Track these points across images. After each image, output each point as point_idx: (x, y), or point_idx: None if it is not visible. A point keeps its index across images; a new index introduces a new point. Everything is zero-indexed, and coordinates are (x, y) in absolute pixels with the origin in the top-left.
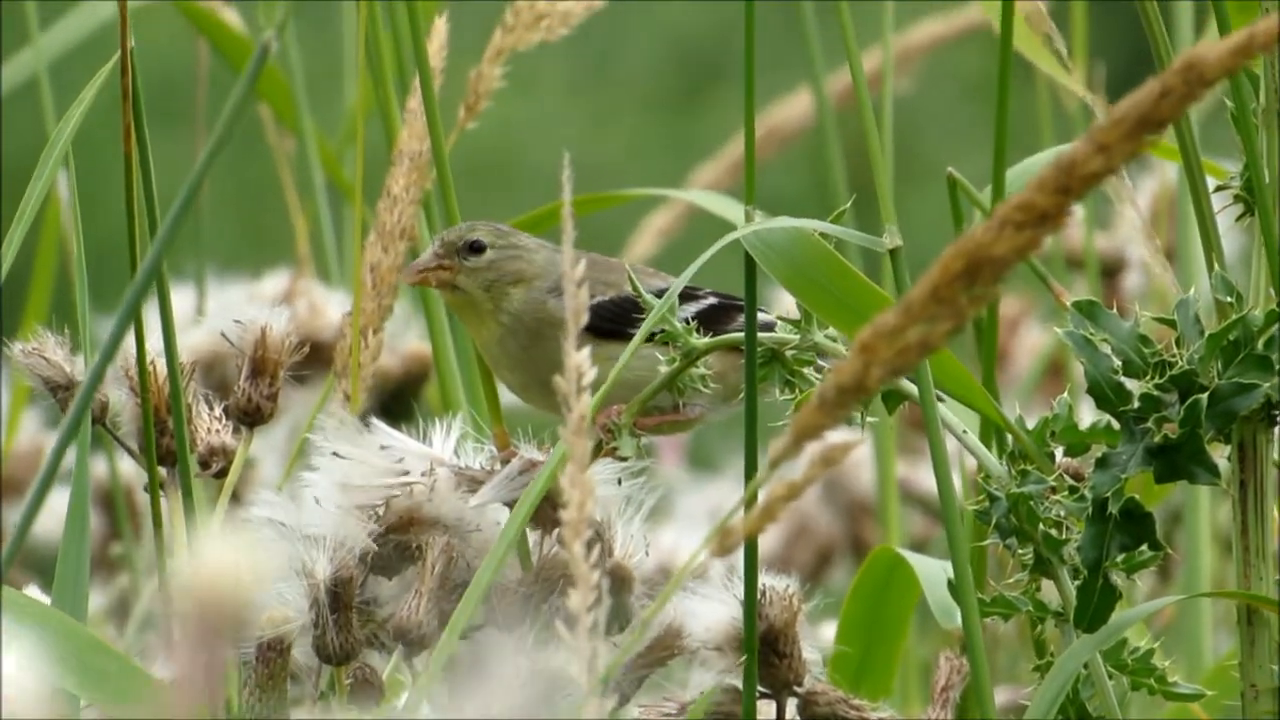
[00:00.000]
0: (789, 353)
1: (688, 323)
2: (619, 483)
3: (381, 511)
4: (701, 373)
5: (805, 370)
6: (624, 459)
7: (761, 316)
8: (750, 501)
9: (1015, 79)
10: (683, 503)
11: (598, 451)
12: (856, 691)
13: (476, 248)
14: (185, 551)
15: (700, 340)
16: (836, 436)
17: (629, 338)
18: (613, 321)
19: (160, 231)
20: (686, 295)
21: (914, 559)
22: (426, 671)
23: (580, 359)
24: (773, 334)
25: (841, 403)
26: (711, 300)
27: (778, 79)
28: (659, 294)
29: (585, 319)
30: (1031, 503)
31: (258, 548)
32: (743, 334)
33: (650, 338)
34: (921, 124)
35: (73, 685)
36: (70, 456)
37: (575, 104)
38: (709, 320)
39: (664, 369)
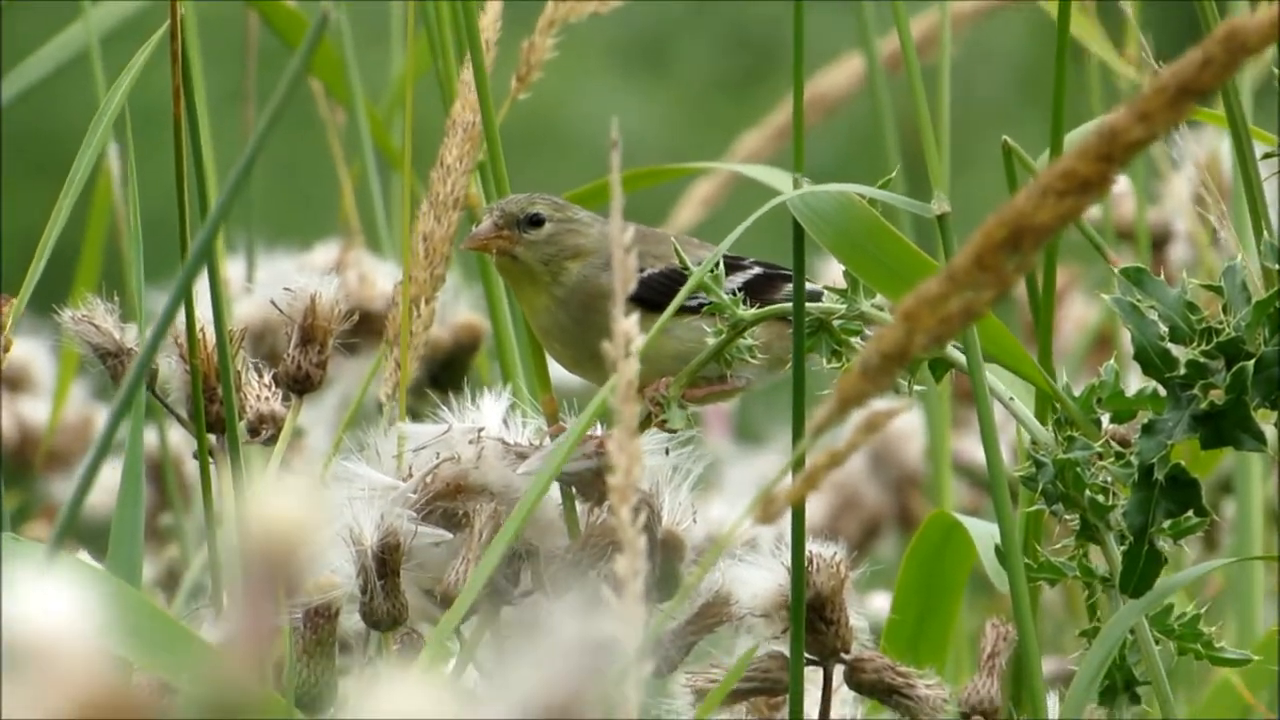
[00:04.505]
0: (836, 322)
1: (734, 294)
2: (666, 452)
3: (429, 480)
4: (749, 344)
5: (852, 339)
6: (673, 431)
7: (808, 287)
8: (797, 468)
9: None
10: (730, 475)
11: (647, 424)
12: (912, 660)
13: (536, 221)
14: (246, 504)
15: (747, 311)
16: (883, 405)
17: (680, 311)
18: (662, 294)
19: (213, 210)
20: (732, 265)
21: (969, 522)
22: (474, 636)
23: (628, 325)
24: (820, 303)
25: (884, 370)
26: (757, 270)
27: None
28: None
29: (633, 288)
30: (1078, 469)
31: (316, 501)
32: (789, 304)
33: (698, 309)
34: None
35: (127, 650)
36: (122, 426)
37: (629, 82)
38: (754, 290)
39: (711, 340)
